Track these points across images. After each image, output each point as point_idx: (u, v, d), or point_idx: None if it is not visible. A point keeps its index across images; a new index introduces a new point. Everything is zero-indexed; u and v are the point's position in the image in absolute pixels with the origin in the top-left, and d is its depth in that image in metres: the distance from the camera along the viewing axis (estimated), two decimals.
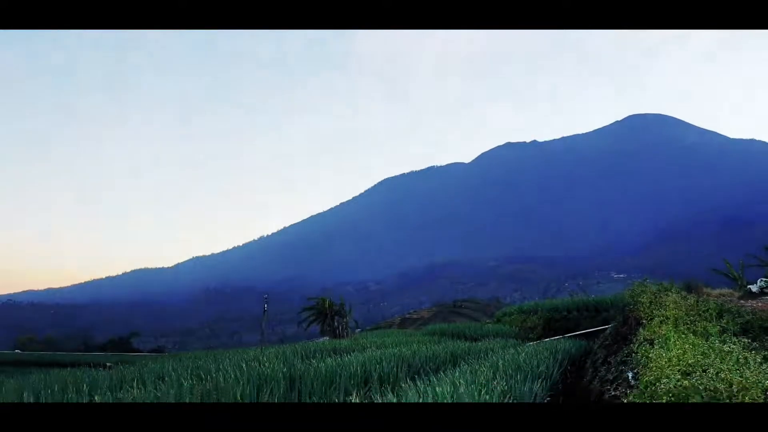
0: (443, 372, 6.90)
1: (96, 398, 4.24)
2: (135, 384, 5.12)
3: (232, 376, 5.44)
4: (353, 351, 8.88)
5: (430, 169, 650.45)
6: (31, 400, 3.86)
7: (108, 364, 13.06)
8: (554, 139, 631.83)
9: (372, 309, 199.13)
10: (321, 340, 28.45)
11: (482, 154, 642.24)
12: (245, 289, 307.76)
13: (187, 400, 4.27)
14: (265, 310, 25.26)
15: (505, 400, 3.53)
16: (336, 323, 32.72)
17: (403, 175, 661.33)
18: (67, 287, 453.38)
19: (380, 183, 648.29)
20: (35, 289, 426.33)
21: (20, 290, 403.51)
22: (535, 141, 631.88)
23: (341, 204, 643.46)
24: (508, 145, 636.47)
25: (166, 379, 6.14)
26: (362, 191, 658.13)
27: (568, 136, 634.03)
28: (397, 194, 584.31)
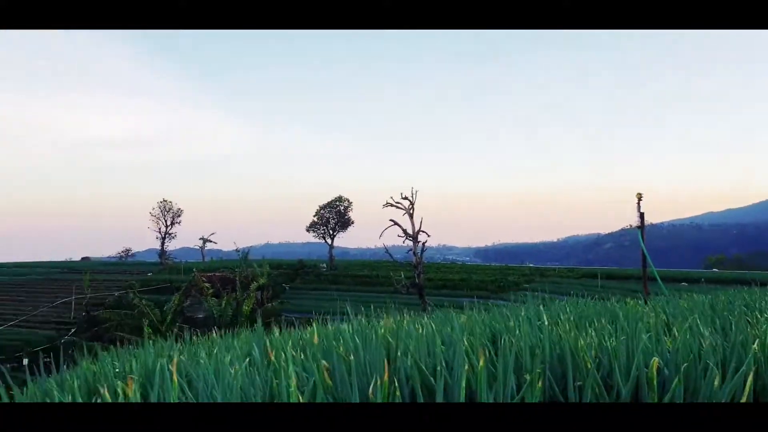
0: None
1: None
2: None
3: None
4: None
5: None
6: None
7: None
8: None
9: None
10: None
11: None
12: None
13: None
14: None
15: None
16: None
17: None
18: (747, 206, 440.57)
19: None
20: (714, 210, 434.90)
21: (701, 213, 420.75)
22: None
23: None
24: None
25: None
26: None
27: None
28: None
